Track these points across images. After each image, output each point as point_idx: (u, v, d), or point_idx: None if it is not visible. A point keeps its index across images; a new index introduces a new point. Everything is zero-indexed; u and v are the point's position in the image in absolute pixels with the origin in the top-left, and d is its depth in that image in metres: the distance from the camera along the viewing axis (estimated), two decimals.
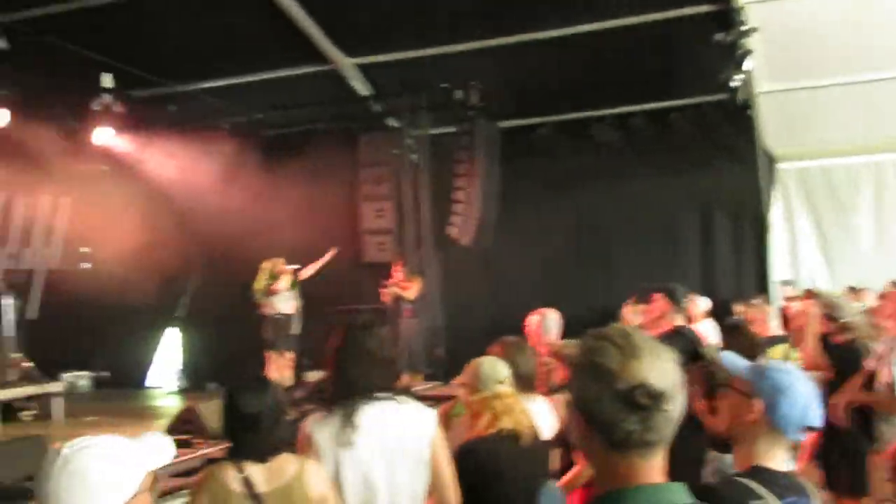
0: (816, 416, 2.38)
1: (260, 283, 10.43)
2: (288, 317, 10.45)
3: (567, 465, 4.60)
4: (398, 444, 3.16)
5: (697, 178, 12.73)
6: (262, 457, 2.93)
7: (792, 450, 2.74)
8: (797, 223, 12.91)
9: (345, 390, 3.17)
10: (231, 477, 2.87)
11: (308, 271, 10.71)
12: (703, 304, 9.29)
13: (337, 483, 3.09)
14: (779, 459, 2.36)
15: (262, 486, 2.87)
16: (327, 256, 10.85)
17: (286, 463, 2.95)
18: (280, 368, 10.18)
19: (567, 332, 6.28)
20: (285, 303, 10.46)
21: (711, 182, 12.76)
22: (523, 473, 3.74)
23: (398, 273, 11.40)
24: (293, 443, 3.16)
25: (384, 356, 3.26)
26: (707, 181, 12.73)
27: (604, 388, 1.50)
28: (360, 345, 3.22)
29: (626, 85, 11.19)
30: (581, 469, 4.37)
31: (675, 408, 1.51)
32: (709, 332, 7.59)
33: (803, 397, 2.35)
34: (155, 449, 2.01)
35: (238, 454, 2.95)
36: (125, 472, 1.89)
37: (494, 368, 3.96)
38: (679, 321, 5.56)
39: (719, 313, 9.24)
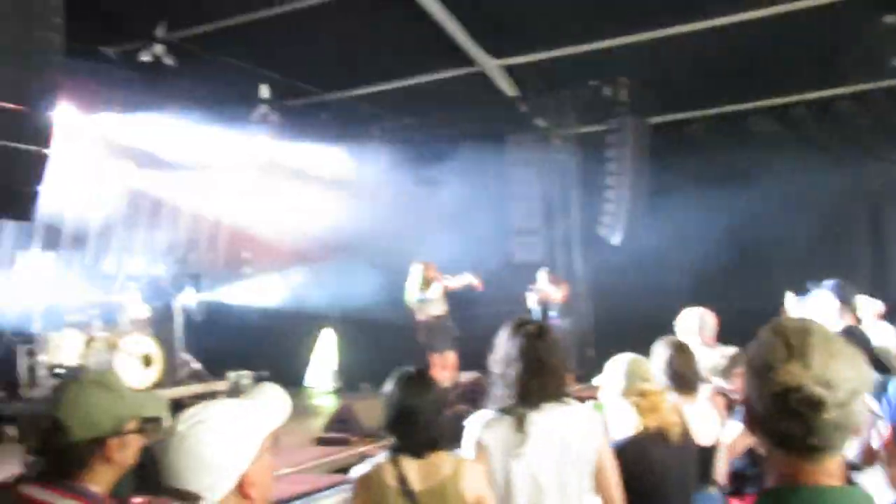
0: None
1: (411, 286, 10.51)
2: (442, 318, 10.50)
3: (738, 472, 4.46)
4: (566, 448, 3.14)
5: (865, 171, 12.12)
6: (419, 453, 2.95)
7: None
8: None
9: (516, 396, 3.16)
10: (388, 473, 2.91)
11: (451, 283, 10.70)
12: (876, 305, 8.75)
13: (506, 486, 3.10)
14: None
15: (416, 483, 2.90)
16: (473, 282, 10.75)
17: (442, 461, 2.97)
18: (441, 369, 10.23)
19: (722, 334, 6.09)
20: (437, 306, 10.51)
21: (881, 174, 12.12)
22: (674, 473, 3.66)
23: (544, 278, 11.30)
24: (451, 440, 3.19)
25: (555, 363, 3.23)
26: (876, 174, 12.10)
27: (762, 387, 1.46)
28: (533, 352, 3.19)
29: (786, 73, 10.71)
30: None
31: (846, 415, 1.42)
32: (884, 335, 7.13)
33: None
34: (271, 408, 2.02)
35: (397, 450, 2.99)
36: (242, 442, 1.89)
37: (639, 366, 3.89)
38: (848, 321, 5.27)
39: (893, 317, 8.74)
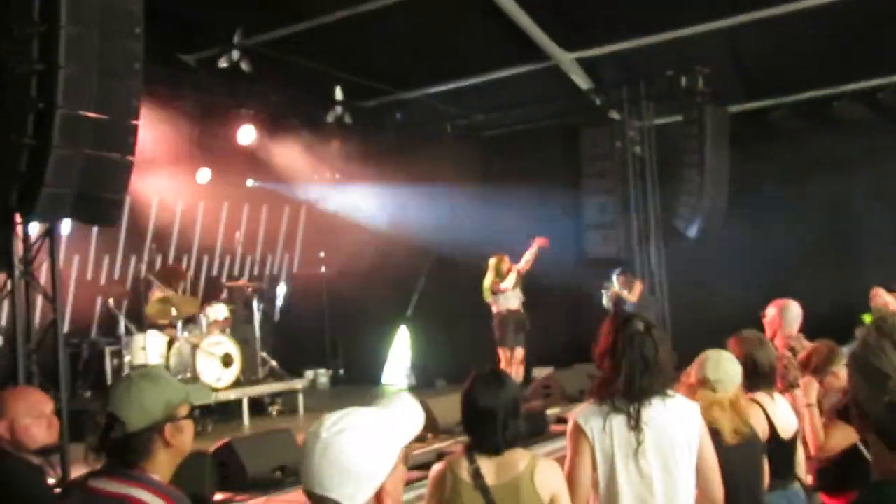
0: None
1: (487, 280, 10.49)
2: (514, 313, 10.45)
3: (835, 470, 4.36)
4: (671, 440, 3.15)
5: None
6: (496, 450, 2.96)
7: None
8: None
9: (624, 393, 3.16)
10: (464, 468, 2.93)
11: (524, 265, 10.63)
12: None
13: (611, 481, 3.12)
14: None
15: (491, 478, 2.91)
16: (536, 245, 10.67)
17: (518, 458, 2.98)
18: (510, 365, 10.19)
19: (807, 328, 5.92)
20: (512, 299, 10.46)
21: None
22: (740, 464, 3.64)
23: (619, 277, 11.12)
24: (525, 438, 3.20)
25: (663, 360, 3.21)
26: None
27: (875, 392, 1.46)
28: (641, 349, 3.18)
29: (873, 55, 10.35)
30: None
31: None
32: None
33: None
34: (406, 420, 2.02)
35: (474, 447, 3.01)
36: (383, 452, 1.90)
37: (733, 367, 3.88)
38: None
39: None
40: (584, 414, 3.20)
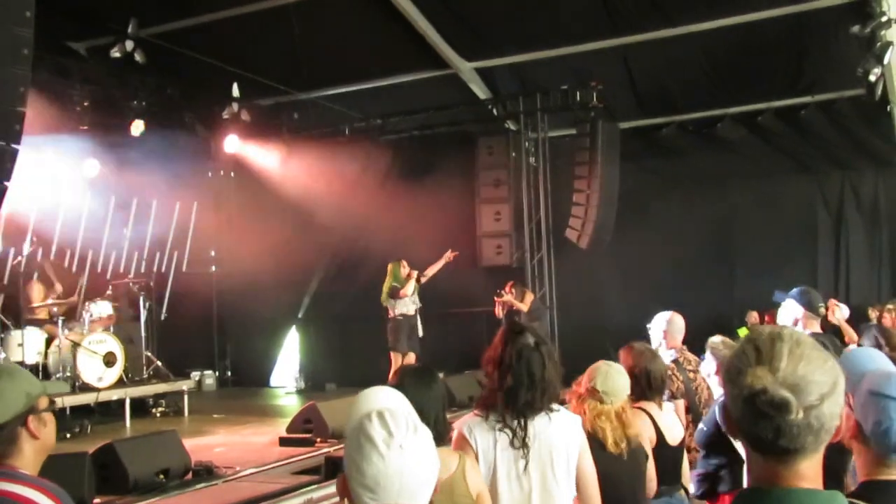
0: None
1: (387, 285, 10.47)
2: (410, 318, 10.47)
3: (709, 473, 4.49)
4: (552, 455, 3.18)
5: (831, 179, 12.36)
6: None
7: None
8: None
9: (507, 405, 3.17)
10: None
11: (428, 273, 10.70)
12: (844, 311, 8.85)
13: (493, 485, 3.13)
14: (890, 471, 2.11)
15: None
16: (445, 258, 10.79)
17: (449, 457, 2.96)
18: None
19: (690, 335, 6.14)
20: (409, 305, 10.50)
21: (845, 181, 12.37)
22: (607, 478, 3.63)
23: (510, 289, 11.28)
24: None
25: (549, 377, 3.22)
26: (841, 180, 12.34)
27: (734, 391, 1.49)
28: (528, 365, 3.19)
29: (755, 81, 10.86)
30: None
31: (816, 417, 1.44)
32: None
33: None
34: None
35: None
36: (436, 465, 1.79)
37: (622, 380, 3.96)
38: (815, 328, 5.33)
39: (853, 319, 8.92)
40: (469, 425, 3.21)
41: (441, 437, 3.00)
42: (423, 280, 10.58)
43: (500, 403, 3.19)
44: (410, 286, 10.36)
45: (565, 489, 3.21)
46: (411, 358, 10.32)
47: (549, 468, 3.17)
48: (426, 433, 1.75)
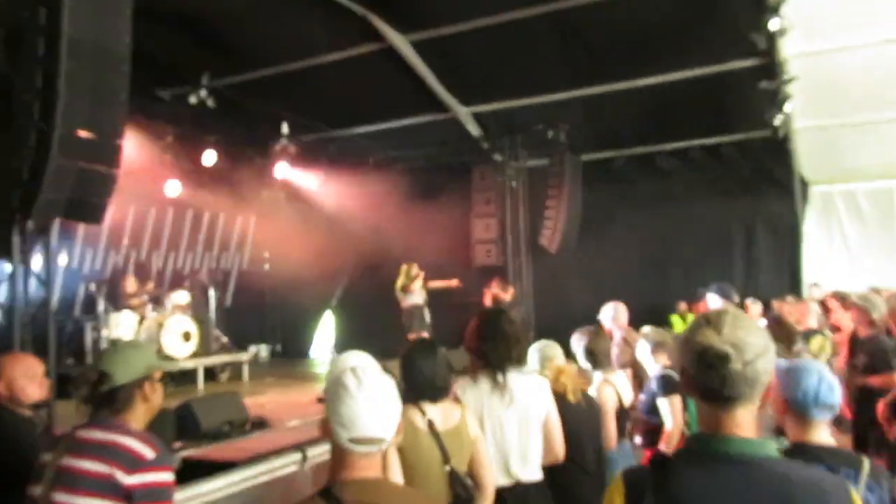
0: (831, 397, 2.16)
1: (399, 282, 10.47)
2: (420, 307, 10.46)
3: (649, 429, 4.48)
4: (525, 406, 3.15)
5: (744, 200, 12.32)
6: (435, 399, 2.91)
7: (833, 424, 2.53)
8: (825, 236, 12.32)
9: (488, 362, 3.15)
10: (417, 418, 2.86)
11: (435, 284, 10.67)
12: (756, 308, 8.82)
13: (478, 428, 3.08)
14: (815, 434, 2.14)
15: (440, 425, 2.87)
16: (451, 283, 10.76)
17: (453, 408, 2.95)
18: None
19: (635, 319, 6.16)
20: (418, 297, 10.49)
21: (756, 203, 12.33)
22: (583, 420, 3.70)
23: (496, 284, 11.28)
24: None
25: (516, 333, 3.21)
26: (752, 202, 12.31)
27: (688, 350, 1.51)
28: (498, 326, 3.18)
29: (686, 124, 10.87)
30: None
31: (752, 371, 1.45)
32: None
33: (812, 383, 2.15)
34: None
35: (417, 398, 2.93)
36: (397, 407, 1.77)
37: (552, 349, 4.00)
38: None
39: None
40: (462, 387, 3.18)
41: (444, 393, 2.97)
42: (428, 285, 10.56)
43: (482, 363, 3.16)
44: (418, 283, 10.35)
45: (537, 437, 3.19)
46: (425, 336, 10.30)
47: (526, 421, 3.14)
48: (389, 383, 1.73)
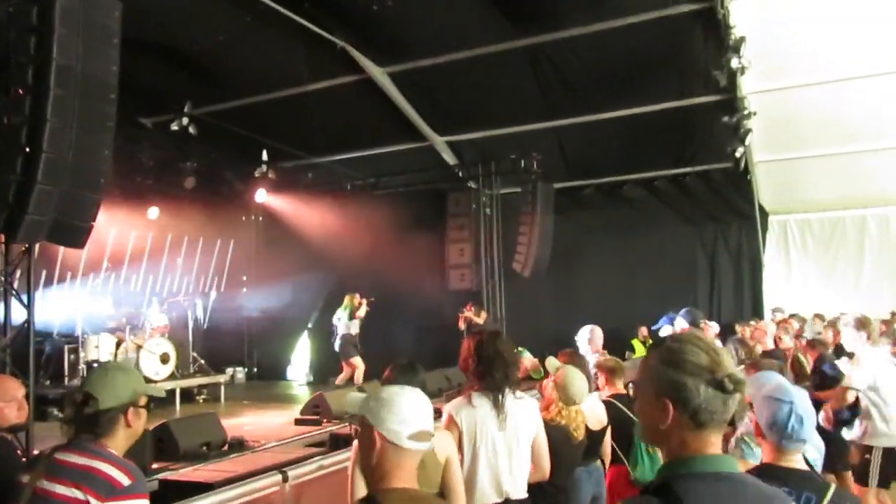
0: (805, 432, 2.14)
1: (347, 311, 10.49)
2: (354, 336, 10.46)
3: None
4: (517, 428, 3.16)
5: (708, 229, 12.57)
6: None
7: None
8: (784, 263, 12.60)
9: (486, 385, 3.15)
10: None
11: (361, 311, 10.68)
12: (714, 327, 9.00)
13: (473, 453, 3.09)
14: (788, 460, 2.14)
15: None
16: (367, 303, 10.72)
17: None
18: (350, 370, 10.25)
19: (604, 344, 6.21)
20: (354, 327, 10.51)
21: (718, 231, 12.57)
22: (568, 459, 3.71)
23: (470, 308, 11.33)
24: None
25: (513, 358, 3.25)
26: (715, 231, 12.55)
27: (697, 380, 1.47)
28: (496, 349, 3.20)
29: (653, 155, 11.07)
30: None
31: (742, 397, 1.51)
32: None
33: (784, 414, 2.15)
34: None
35: None
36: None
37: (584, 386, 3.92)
38: None
39: (724, 333, 9.05)
40: (457, 407, 3.18)
41: None
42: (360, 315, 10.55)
43: (481, 385, 3.16)
44: (361, 311, 10.37)
45: (527, 457, 3.21)
46: (358, 361, 10.29)
47: (516, 442, 3.16)
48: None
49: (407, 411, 1.71)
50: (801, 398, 2.22)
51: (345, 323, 10.41)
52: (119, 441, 2.31)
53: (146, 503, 2.24)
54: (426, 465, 2.82)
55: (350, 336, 10.38)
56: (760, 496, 1.48)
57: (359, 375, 10.19)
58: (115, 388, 2.30)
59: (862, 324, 5.19)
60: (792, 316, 9.61)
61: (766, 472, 2.02)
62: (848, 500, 2.12)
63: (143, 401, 2.37)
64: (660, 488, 1.45)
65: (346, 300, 10.53)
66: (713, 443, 1.49)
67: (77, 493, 2.15)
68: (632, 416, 4.22)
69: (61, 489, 2.17)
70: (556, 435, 3.63)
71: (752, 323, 9.47)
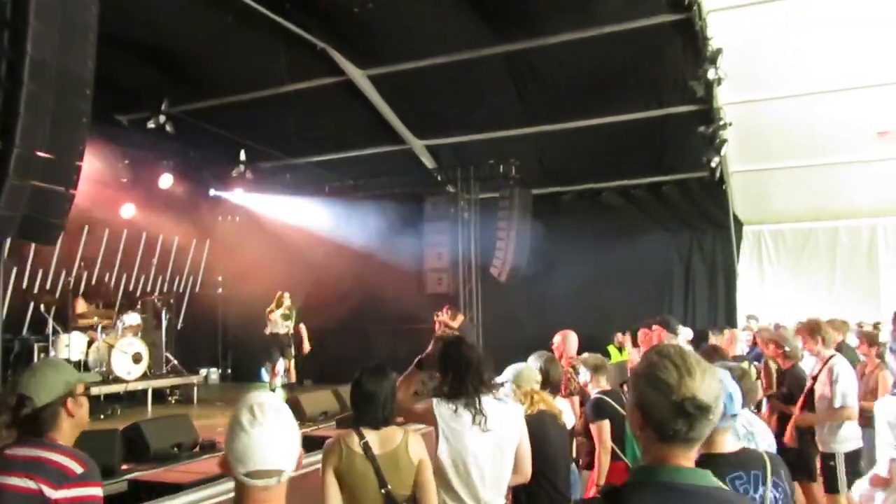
0: (736, 405, 2.20)
1: (287, 310, 10.50)
2: (277, 336, 10.57)
3: (588, 451, 4.56)
4: (500, 435, 3.14)
5: (683, 237, 12.69)
6: (376, 426, 2.92)
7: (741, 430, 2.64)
8: (757, 272, 12.78)
9: (459, 391, 3.13)
10: (355, 441, 2.86)
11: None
12: (686, 333, 9.11)
13: (457, 458, 3.07)
14: (721, 444, 2.17)
15: (376, 449, 2.86)
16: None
17: (394, 433, 2.94)
18: (274, 374, 10.33)
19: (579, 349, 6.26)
20: (278, 325, 10.55)
21: (693, 240, 12.70)
22: (561, 443, 3.77)
23: (446, 311, 11.32)
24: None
25: (484, 361, 3.22)
26: (691, 239, 12.68)
27: (661, 397, 1.48)
28: (462, 355, 3.19)
29: (630, 163, 11.15)
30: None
31: (716, 415, 1.50)
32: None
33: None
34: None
35: (359, 422, 2.95)
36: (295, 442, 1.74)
37: (532, 373, 4.00)
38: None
39: (697, 340, 9.15)
40: (438, 404, 3.15)
41: (387, 419, 2.96)
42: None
43: (455, 392, 3.15)
44: (280, 311, 10.54)
45: (509, 463, 3.20)
46: (282, 364, 10.34)
47: (500, 448, 3.14)
48: (287, 417, 1.72)
49: (241, 450, 1.64)
50: (726, 376, 2.24)
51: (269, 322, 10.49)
52: (65, 432, 2.34)
53: (99, 491, 2.25)
54: (400, 466, 2.85)
55: (273, 336, 10.51)
56: None
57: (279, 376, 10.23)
58: (47, 385, 2.32)
59: (813, 330, 5.27)
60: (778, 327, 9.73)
61: (709, 462, 2.01)
62: (781, 467, 2.19)
63: (80, 389, 2.40)
64: (607, 493, 1.48)
65: (276, 297, 10.62)
66: (682, 455, 1.50)
67: (29, 483, 2.16)
68: (622, 411, 4.29)
69: (13, 480, 2.17)
70: (553, 433, 3.66)
71: (728, 331, 9.57)
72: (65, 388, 2.34)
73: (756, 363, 6.61)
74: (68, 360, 8.72)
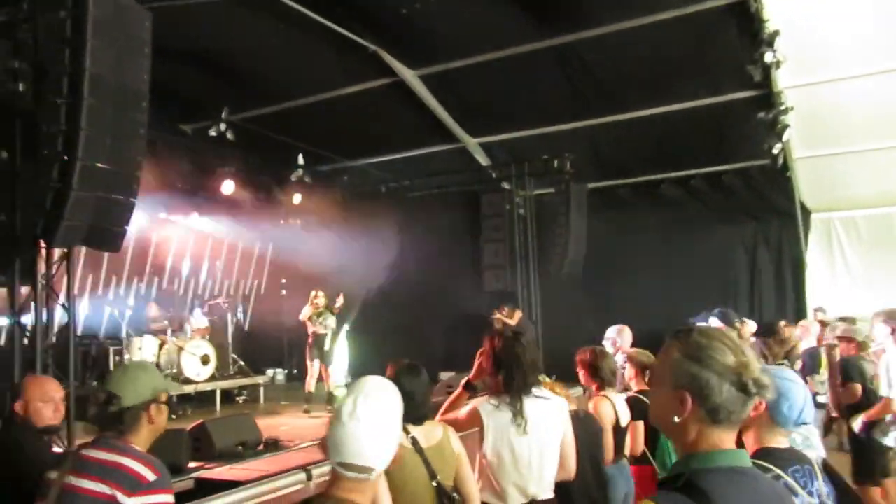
0: (809, 415, 2.24)
1: (304, 308, 10.31)
2: (318, 336, 10.29)
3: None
4: (545, 430, 3.19)
5: (746, 227, 12.25)
6: (419, 421, 2.95)
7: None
8: (827, 262, 12.21)
9: (506, 388, 3.19)
10: (402, 437, 2.88)
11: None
12: (751, 325, 8.82)
13: (497, 456, 3.13)
14: (780, 441, 2.22)
15: (423, 443, 2.90)
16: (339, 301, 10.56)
17: (435, 427, 3.01)
18: (312, 376, 10.13)
19: (639, 345, 6.10)
20: (319, 326, 10.32)
21: (758, 230, 12.25)
22: (587, 440, 3.71)
23: (503, 309, 11.26)
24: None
25: (533, 361, 3.26)
26: (755, 229, 12.24)
27: (720, 379, 1.48)
28: (514, 353, 3.22)
29: (689, 153, 10.84)
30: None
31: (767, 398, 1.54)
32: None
33: (800, 401, 2.21)
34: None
35: (403, 420, 2.96)
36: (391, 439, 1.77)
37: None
38: None
39: (766, 333, 8.84)
40: (487, 411, 3.21)
41: (426, 416, 3.02)
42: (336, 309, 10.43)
43: (501, 390, 3.19)
44: (306, 311, 10.28)
45: (554, 458, 3.23)
46: (317, 366, 10.14)
47: (544, 444, 3.18)
48: (388, 414, 1.74)
49: (335, 441, 1.67)
50: (799, 383, 2.30)
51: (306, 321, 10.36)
52: (143, 437, 2.39)
53: (171, 498, 2.30)
54: (445, 458, 2.91)
55: (313, 335, 10.29)
56: (771, 489, 1.53)
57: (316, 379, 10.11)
58: (136, 387, 2.37)
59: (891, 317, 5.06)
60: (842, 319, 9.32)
61: (766, 455, 2.08)
62: (829, 469, 2.30)
63: (163, 397, 2.45)
64: (685, 485, 1.43)
65: (311, 297, 10.39)
66: (728, 439, 1.50)
67: (104, 488, 2.21)
68: None
69: (88, 484, 2.23)
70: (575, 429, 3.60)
71: (801, 323, 9.20)
72: (152, 392, 2.40)
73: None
74: None
